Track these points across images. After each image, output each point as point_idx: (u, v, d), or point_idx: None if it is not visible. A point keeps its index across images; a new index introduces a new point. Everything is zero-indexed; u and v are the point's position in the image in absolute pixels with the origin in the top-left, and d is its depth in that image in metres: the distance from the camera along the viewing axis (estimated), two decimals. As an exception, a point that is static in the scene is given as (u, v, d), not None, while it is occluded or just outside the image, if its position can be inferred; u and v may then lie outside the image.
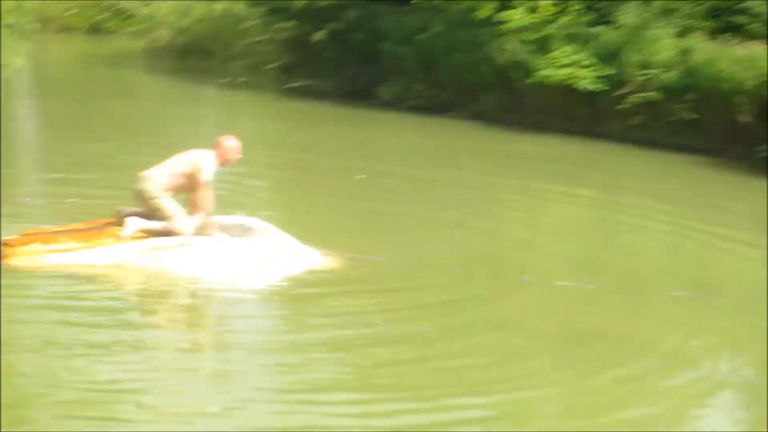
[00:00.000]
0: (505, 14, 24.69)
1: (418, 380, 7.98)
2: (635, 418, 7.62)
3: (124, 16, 58.52)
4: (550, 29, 24.51)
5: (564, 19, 24.54)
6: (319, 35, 29.40)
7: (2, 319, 8.63)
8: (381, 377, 8.01)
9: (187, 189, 10.89)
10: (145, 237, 10.49)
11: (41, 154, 18.81)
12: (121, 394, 7.23)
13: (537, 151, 21.98)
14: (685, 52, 22.55)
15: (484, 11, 25.17)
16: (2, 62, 16.19)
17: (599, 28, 24.03)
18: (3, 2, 16.43)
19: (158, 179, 10.63)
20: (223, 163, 10.84)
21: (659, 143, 22.19)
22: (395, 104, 27.44)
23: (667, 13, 23.75)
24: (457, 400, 7.64)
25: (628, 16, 23.61)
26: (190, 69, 40.57)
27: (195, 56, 43.61)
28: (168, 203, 10.63)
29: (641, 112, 22.82)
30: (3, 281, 9.56)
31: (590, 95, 23.55)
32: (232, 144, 10.86)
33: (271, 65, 33.20)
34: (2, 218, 11.84)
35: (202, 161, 10.67)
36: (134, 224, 10.50)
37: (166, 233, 10.51)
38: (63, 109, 25.26)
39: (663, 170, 20.34)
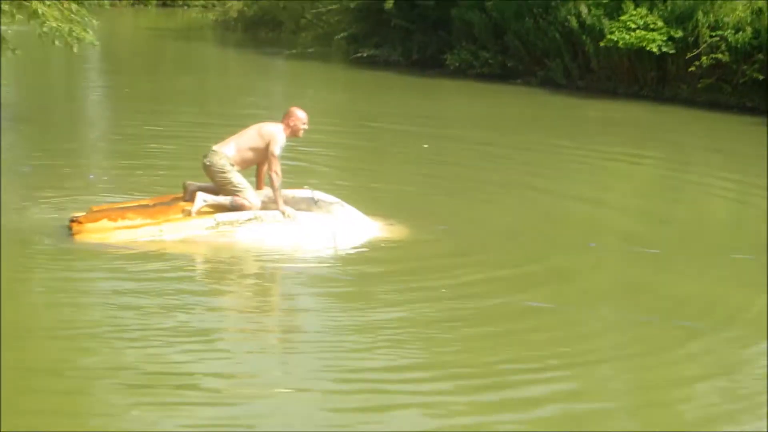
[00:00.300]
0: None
1: (490, 356, 7.77)
2: (717, 387, 7.45)
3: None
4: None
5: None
6: (389, 3, 29.33)
7: (67, 300, 8.62)
8: (451, 354, 7.84)
9: (256, 162, 10.89)
10: (214, 212, 10.49)
11: (110, 127, 18.95)
12: (187, 377, 7.12)
13: (604, 116, 21.96)
14: (757, 12, 22.25)
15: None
16: (75, 36, 16.24)
17: (672, -11, 23.79)
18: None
19: (227, 153, 10.62)
20: (292, 134, 10.79)
21: (727, 105, 22.18)
22: (463, 72, 27.50)
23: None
24: (535, 375, 7.45)
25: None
26: (259, 41, 40.83)
27: (265, 28, 43.92)
28: (237, 177, 10.62)
29: (710, 75, 22.66)
30: (71, 262, 9.61)
31: (659, 59, 23.45)
32: (300, 115, 10.80)
33: (340, 35, 33.25)
34: (72, 193, 12.00)
35: (271, 134, 10.63)
36: (202, 199, 10.51)
37: (235, 208, 10.52)
38: (132, 83, 25.51)
39: (729, 132, 20.23)
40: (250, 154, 10.73)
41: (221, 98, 24.29)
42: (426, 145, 16.66)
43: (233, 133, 10.94)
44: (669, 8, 23.46)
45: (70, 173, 13.38)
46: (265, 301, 9.38)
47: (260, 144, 10.64)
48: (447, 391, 7.16)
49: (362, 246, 10.62)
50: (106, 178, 13.35)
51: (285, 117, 10.79)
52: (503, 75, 26.95)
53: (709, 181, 15.06)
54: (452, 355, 7.80)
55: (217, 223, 10.33)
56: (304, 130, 10.88)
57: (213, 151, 10.68)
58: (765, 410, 6.96)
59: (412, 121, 20.48)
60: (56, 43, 16.26)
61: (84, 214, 10.47)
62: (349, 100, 24.90)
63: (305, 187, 11.30)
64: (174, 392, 6.87)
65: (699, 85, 22.88)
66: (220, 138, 10.95)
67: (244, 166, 10.77)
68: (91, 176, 13.29)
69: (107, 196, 11.99)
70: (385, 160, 15.82)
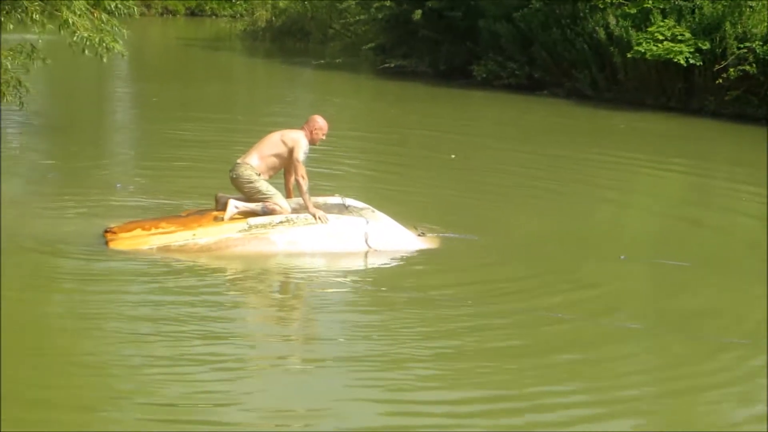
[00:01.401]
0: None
1: (513, 379, 7.55)
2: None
3: (224, -1, 59.22)
4: (650, 3, 24.29)
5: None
6: (417, 14, 29.46)
7: (102, 312, 8.52)
8: (480, 375, 7.57)
9: (281, 168, 10.93)
10: (246, 218, 10.53)
11: (138, 136, 19.03)
12: (216, 395, 6.95)
13: (632, 127, 21.92)
14: (786, 23, 22.28)
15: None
16: (104, 46, 16.27)
17: (699, 1, 23.75)
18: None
19: (251, 163, 10.69)
20: (310, 142, 10.82)
21: (754, 117, 22.09)
22: (490, 82, 27.54)
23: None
24: (565, 398, 7.22)
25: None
26: (287, 51, 40.94)
27: (292, 38, 44.09)
28: (265, 185, 10.67)
29: (737, 87, 22.61)
30: (100, 282, 9.43)
31: (686, 70, 23.42)
32: (321, 123, 10.86)
33: (368, 46, 33.37)
34: (99, 202, 12.09)
35: (294, 141, 10.69)
36: (234, 206, 10.56)
37: (267, 213, 10.54)
38: (161, 92, 25.64)
39: (756, 144, 20.09)
40: (274, 161, 10.79)
41: (249, 107, 24.41)
42: (453, 156, 16.67)
43: (256, 143, 11.01)
44: (696, 19, 23.47)
45: (98, 182, 13.42)
46: (294, 326, 9.00)
47: (284, 150, 10.71)
48: (473, 414, 6.94)
49: (392, 257, 10.58)
50: (132, 187, 13.32)
51: (306, 124, 10.87)
52: (530, 86, 26.99)
53: (736, 194, 15.06)
54: (476, 377, 7.55)
55: (250, 227, 10.38)
56: (322, 139, 10.95)
57: (237, 163, 10.75)
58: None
59: (441, 129, 20.58)
60: (86, 52, 16.32)
61: (118, 225, 10.58)
62: (377, 110, 24.99)
63: (336, 194, 11.36)
64: (194, 412, 6.69)
65: (726, 97, 22.85)
66: (249, 146, 11.01)
67: (270, 173, 10.83)
68: (119, 185, 13.30)
69: (135, 202, 12.14)
70: (414, 168, 15.85)
